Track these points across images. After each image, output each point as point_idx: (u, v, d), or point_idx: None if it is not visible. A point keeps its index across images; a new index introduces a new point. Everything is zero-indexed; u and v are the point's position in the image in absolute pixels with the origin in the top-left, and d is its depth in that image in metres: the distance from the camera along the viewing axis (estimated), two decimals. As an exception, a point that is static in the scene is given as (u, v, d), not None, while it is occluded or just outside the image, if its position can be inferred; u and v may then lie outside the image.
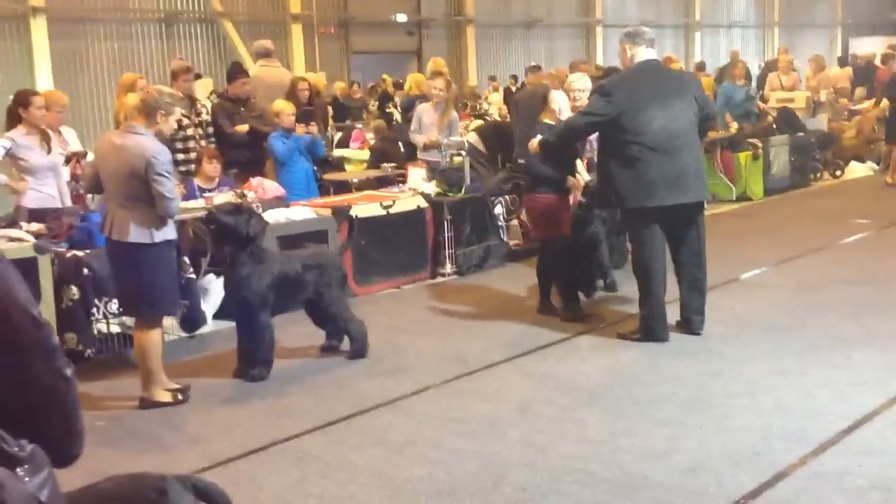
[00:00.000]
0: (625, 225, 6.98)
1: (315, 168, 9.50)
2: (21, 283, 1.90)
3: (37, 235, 6.42)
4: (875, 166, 15.31)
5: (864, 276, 8.04)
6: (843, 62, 20.17)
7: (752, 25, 32.31)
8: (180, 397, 5.62)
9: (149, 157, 5.28)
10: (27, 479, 1.85)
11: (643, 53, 6.42)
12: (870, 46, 27.41)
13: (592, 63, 21.90)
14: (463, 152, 9.44)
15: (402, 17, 22.28)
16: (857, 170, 15.30)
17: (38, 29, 16.65)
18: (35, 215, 6.92)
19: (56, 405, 1.92)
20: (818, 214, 11.54)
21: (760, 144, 12.83)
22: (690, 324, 6.50)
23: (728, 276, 8.23)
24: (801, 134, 13.72)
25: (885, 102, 14.25)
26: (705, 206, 6.59)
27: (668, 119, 6.18)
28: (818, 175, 14.44)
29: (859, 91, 17.52)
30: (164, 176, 5.31)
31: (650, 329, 6.42)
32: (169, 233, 5.52)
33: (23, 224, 6.70)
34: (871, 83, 17.64)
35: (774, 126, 13.63)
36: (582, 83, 7.83)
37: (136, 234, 5.37)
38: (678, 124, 6.22)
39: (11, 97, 7.28)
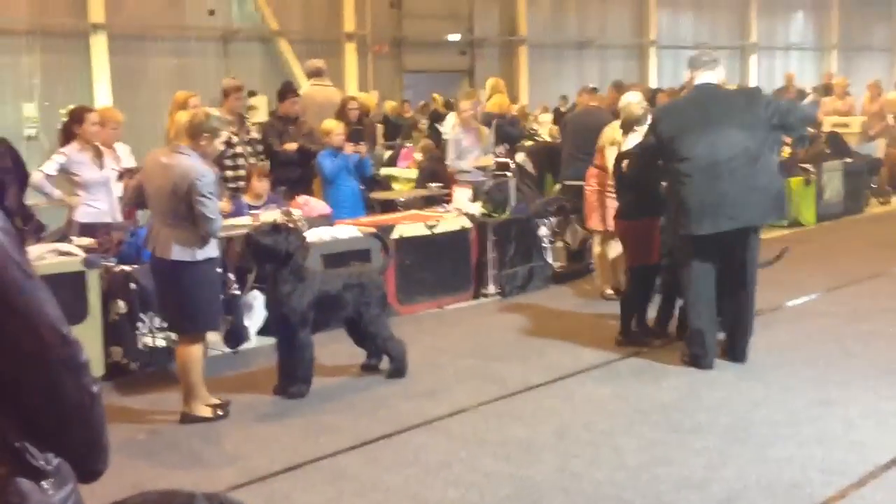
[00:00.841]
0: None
1: (362, 187, 9.57)
2: (51, 300, 1.95)
3: (87, 250, 6.56)
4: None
5: (916, 306, 7.87)
6: (903, 86, 19.81)
7: (809, 48, 31.89)
8: (220, 412, 5.70)
9: (193, 178, 5.37)
10: (52, 492, 1.90)
11: (701, 77, 6.40)
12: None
13: (645, 84, 21.79)
14: (508, 172, 9.47)
15: (454, 37, 22.38)
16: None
17: (98, 45, 17.04)
18: (86, 230, 7.09)
19: (82, 421, 1.97)
20: (871, 242, 11.32)
21: (813, 170, 12.65)
22: (733, 351, 6.43)
23: (776, 302, 8.12)
24: (848, 159, 13.48)
25: None
26: (759, 232, 6.41)
27: (714, 144, 6.08)
28: (866, 202, 14.20)
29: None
30: (207, 197, 5.39)
31: (691, 355, 6.36)
32: (211, 251, 5.60)
33: (73, 238, 6.86)
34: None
35: (827, 151, 13.42)
36: (638, 100, 7.95)
37: (179, 253, 5.45)
38: (727, 150, 6.08)
39: (62, 111, 7.50)
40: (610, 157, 8.19)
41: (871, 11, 32.91)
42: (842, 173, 13.15)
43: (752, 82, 28.55)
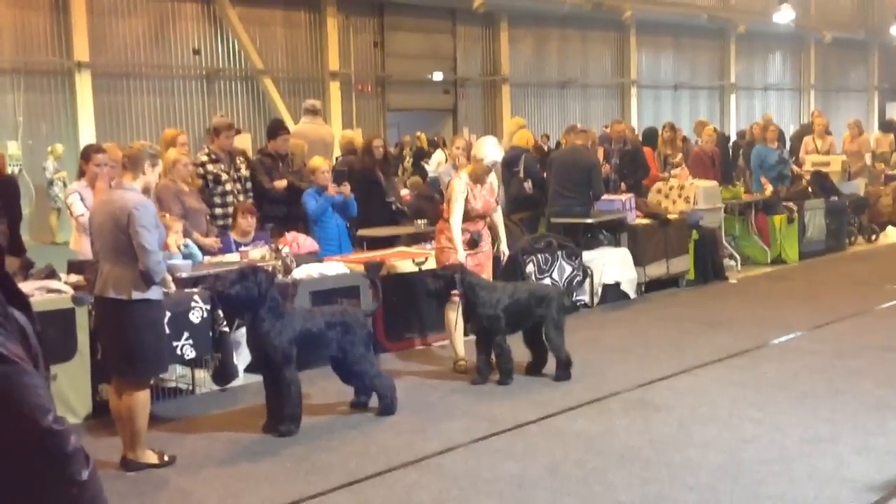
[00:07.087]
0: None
1: (348, 225, 9.58)
2: (34, 389, 1.83)
3: (75, 287, 6.51)
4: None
5: (900, 343, 7.93)
6: (887, 127, 19.97)
7: (787, 88, 32.35)
8: (167, 459, 5.54)
9: (131, 208, 5.25)
10: None
11: None
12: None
13: (628, 122, 22.01)
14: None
15: (438, 76, 22.58)
16: (894, 235, 15.22)
17: (83, 83, 17.08)
18: (74, 267, 7.04)
19: None
20: (853, 279, 11.43)
21: (795, 208, 12.79)
22: None
23: (762, 340, 8.17)
24: (834, 198, 13.66)
25: None
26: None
27: None
28: (853, 239, 14.38)
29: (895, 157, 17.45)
30: (146, 228, 5.25)
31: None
32: (152, 293, 5.38)
33: (62, 275, 6.81)
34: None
35: (809, 189, 13.58)
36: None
37: (116, 291, 5.30)
38: None
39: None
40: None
41: (847, 54, 33.49)
42: (824, 211, 13.30)
43: (732, 121, 28.95)
